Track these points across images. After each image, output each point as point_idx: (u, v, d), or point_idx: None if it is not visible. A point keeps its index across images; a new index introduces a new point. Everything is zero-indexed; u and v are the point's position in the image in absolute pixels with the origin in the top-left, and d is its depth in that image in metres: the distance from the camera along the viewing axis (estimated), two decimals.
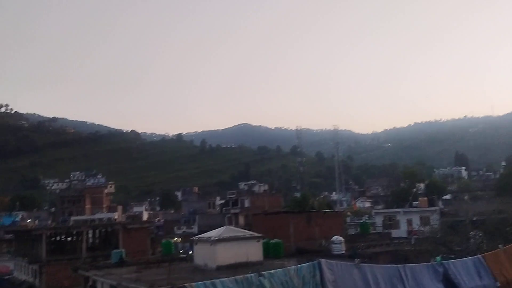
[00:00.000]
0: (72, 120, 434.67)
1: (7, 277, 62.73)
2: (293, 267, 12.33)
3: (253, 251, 29.00)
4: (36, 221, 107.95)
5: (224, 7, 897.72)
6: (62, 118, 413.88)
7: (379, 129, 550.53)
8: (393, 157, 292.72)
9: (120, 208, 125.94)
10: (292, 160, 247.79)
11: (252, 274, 11.35)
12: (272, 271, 11.82)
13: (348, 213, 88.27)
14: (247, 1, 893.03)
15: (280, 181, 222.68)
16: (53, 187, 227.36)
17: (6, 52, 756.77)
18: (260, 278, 11.30)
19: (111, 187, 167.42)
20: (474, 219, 43.66)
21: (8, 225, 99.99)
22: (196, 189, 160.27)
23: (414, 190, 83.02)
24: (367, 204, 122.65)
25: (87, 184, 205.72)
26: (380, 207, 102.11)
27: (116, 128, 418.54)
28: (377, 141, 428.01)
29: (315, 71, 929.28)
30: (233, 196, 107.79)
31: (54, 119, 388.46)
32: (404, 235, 51.46)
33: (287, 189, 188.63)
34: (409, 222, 54.92)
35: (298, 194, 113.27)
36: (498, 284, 16.57)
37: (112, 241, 51.61)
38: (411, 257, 30.16)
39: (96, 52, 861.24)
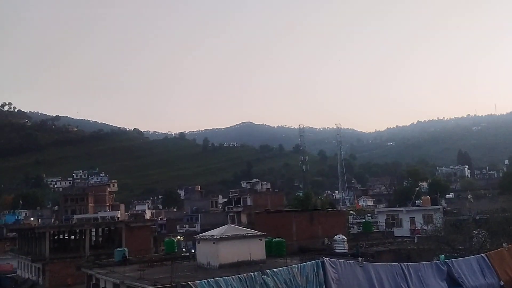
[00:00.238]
0: (75, 119, 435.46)
1: (11, 275, 62.92)
2: (296, 265, 12.34)
3: (256, 250, 29.00)
4: (39, 220, 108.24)
5: (227, 4, 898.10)
6: (65, 117, 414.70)
7: (382, 128, 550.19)
8: (396, 155, 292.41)
9: (123, 206, 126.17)
10: (294, 158, 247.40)
11: (256, 273, 11.35)
12: (275, 269, 11.83)
13: (351, 212, 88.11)
14: None
15: (282, 179, 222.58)
16: (56, 186, 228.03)
17: (10, 51, 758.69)
18: (263, 276, 11.30)
19: (114, 185, 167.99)
20: (477, 217, 43.59)
21: (12, 223, 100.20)
22: (198, 187, 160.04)
23: (417, 188, 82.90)
24: (370, 203, 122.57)
25: (90, 182, 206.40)
26: (382, 205, 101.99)
27: (119, 126, 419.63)
28: (380, 140, 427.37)
29: (318, 70, 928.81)
30: (236, 194, 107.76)
31: (57, 118, 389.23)
32: (407, 233, 51.41)
33: (290, 187, 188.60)
34: (412, 221, 54.82)
35: (300, 193, 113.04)
36: (502, 282, 16.55)
37: (115, 240, 51.73)
38: (414, 255, 30.12)
39: (100, 51, 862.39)
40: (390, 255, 34.68)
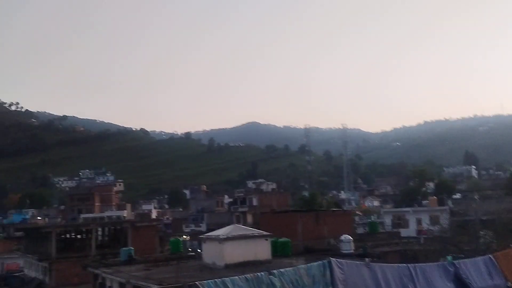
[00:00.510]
0: (82, 119, 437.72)
1: (17, 274, 63.26)
2: (303, 266, 12.32)
3: (262, 250, 28.95)
4: (46, 219, 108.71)
5: (234, 4, 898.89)
6: (72, 117, 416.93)
7: (388, 128, 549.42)
8: (402, 156, 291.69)
9: (129, 206, 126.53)
10: (300, 158, 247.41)
11: (263, 273, 11.35)
12: (282, 269, 11.81)
13: (357, 212, 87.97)
14: None
15: (288, 179, 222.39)
16: (62, 185, 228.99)
17: (17, 52, 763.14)
18: (270, 276, 11.29)
19: (120, 185, 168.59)
20: (484, 218, 43.33)
21: (18, 222, 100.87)
22: (204, 187, 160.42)
23: (424, 189, 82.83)
24: (376, 203, 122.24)
25: (96, 182, 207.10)
26: (389, 206, 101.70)
27: (125, 126, 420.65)
28: (386, 140, 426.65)
29: (324, 70, 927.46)
30: (241, 194, 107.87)
31: (64, 118, 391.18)
32: (413, 234, 51.25)
33: (295, 188, 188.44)
34: (419, 222, 54.72)
35: (306, 193, 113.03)
36: (509, 283, 16.47)
37: (121, 239, 51.81)
38: (420, 256, 30.04)
39: (106, 51, 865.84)
40: (396, 256, 34.52)
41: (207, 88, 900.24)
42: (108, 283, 30.29)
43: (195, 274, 25.16)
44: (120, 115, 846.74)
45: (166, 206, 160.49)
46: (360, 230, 63.05)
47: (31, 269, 55.37)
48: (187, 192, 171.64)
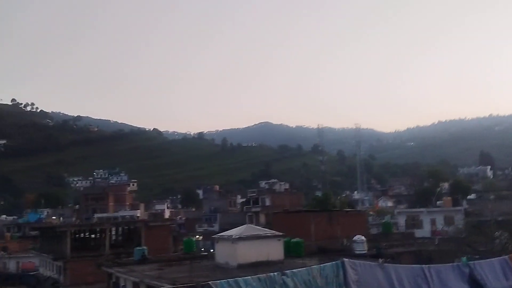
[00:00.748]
0: (96, 119, 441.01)
1: (33, 273, 64.03)
2: (316, 266, 12.26)
3: (274, 250, 28.90)
4: (61, 218, 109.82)
5: (247, 2, 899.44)
6: (86, 117, 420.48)
7: (402, 128, 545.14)
8: (416, 156, 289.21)
9: (142, 205, 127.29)
10: (313, 158, 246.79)
11: (276, 273, 11.31)
12: (295, 270, 11.77)
13: (370, 213, 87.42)
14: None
15: (301, 180, 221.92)
16: (77, 185, 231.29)
17: (32, 53, 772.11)
18: (283, 277, 11.25)
19: (133, 185, 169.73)
20: (499, 219, 42.82)
21: (34, 222, 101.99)
22: (217, 187, 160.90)
23: (438, 189, 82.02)
24: (390, 204, 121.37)
25: (110, 182, 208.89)
26: (403, 206, 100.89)
27: (138, 126, 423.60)
28: (400, 140, 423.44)
29: (336, 69, 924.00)
30: (254, 194, 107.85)
31: (78, 118, 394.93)
32: (428, 235, 50.85)
33: (308, 188, 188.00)
34: (433, 222, 54.28)
35: (319, 193, 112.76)
36: None
37: (134, 239, 52.12)
38: (435, 257, 29.74)
39: (119, 53, 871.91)
40: (410, 256, 34.23)
41: (220, 88, 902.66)
42: (121, 283, 30.49)
43: (208, 274, 25.21)
44: (133, 115, 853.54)
45: (179, 206, 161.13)
46: (374, 231, 62.60)
47: (46, 268, 55.95)
48: (200, 192, 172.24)
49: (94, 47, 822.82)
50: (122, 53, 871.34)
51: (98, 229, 55.33)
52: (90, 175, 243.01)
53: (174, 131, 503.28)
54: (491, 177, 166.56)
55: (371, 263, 13.32)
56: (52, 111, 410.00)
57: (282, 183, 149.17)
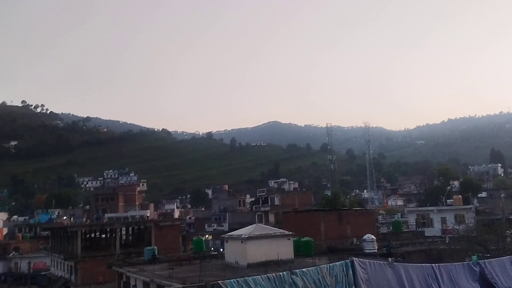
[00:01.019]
0: (105, 120, 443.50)
1: (44, 272, 64.60)
2: (325, 265, 12.24)
3: (284, 249, 28.90)
4: (71, 219, 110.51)
5: (256, 10, 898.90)
6: (96, 118, 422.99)
7: (412, 126, 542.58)
8: (426, 154, 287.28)
9: (152, 205, 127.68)
10: (322, 158, 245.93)
11: (285, 272, 11.32)
12: (304, 269, 11.77)
13: (380, 211, 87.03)
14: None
15: (310, 179, 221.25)
16: (87, 185, 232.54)
17: (43, 54, 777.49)
18: (292, 276, 11.25)
19: (143, 185, 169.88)
20: (511, 217, 42.49)
21: (45, 222, 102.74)
22: (226, 187, 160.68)
23: (448, 188, 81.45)
24: (400, 202, 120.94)
25: (120, 182, 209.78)
26: (413, 205, 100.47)
27: (147, 127, 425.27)
28: (410, 138, 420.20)
29: (345, 68, 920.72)
30: (263, 194, 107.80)
31: (88, 119, 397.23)
32: (438, 233, 50.53)
33: (318, 187, 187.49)
34: (443, 221, 53.86)
35: (328, 192, 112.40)
36: None
37: (144, 238, 52.38)
38: (446, 256, 29.58)
39: (128, 54, 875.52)
40: (420, 255, 34.08)
41: (229, 88, 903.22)
42: (132, 282, 30.65)
43: (218, 273, 25.31)
44: (142, 116, 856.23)
45: (189, 206, 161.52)
46: (384, 230, 62.39)
47: (57, 268, 56.33)
48: (209, 191, 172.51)
49: (103, 49, 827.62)
50: (131, 54, 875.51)
51: (108, 229, 55.59)
52: (100, 176, 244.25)
53: (183, 131, 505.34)
54: (502, 175, 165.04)
55: (380, 262, 13.28)
56: (61, 112, 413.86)
57: (291, 182, 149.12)
